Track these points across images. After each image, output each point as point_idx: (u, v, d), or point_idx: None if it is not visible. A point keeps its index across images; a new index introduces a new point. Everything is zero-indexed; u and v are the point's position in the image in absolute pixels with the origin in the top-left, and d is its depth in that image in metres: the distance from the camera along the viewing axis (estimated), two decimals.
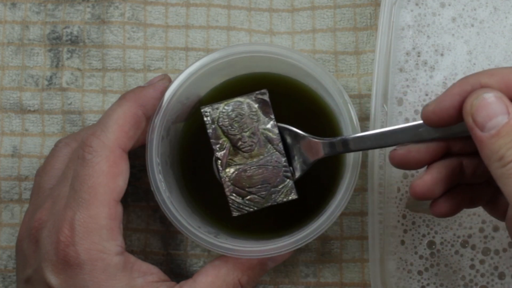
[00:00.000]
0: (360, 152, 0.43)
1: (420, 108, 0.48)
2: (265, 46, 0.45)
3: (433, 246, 0.47)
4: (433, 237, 0.47)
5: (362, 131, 0.42)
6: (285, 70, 0.47)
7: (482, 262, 0.47)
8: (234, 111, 0.44)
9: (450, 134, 0.40)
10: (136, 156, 0.49)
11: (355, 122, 0.43)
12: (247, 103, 0.44)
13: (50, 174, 0.45)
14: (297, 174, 0.44)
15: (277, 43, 0.50)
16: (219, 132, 0.44)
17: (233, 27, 0.51)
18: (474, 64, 0.48)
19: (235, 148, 0.44)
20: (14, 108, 0.51)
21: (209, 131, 0.44)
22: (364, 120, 0.49)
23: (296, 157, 0.44)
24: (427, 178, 0.40)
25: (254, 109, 0.44)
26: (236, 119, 0.44)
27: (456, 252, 0.47)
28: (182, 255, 0.50)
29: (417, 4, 0.48)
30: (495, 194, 0.41)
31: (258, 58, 0.45)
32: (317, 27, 0.50)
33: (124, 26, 0.51)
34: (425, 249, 0.47)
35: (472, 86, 0.37)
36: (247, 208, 0.44)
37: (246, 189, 0.44)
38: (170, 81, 0.45)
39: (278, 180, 0.44)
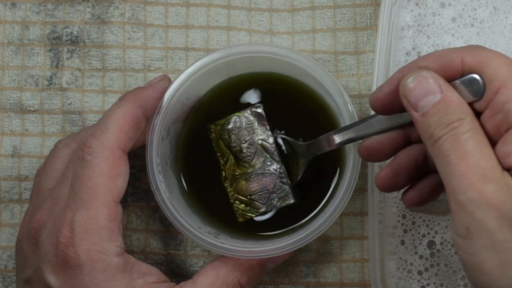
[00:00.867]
0: None
1: None
2: (265, 46, 0.45)
3: (433, 246, 0.47)
4: (433, 237, 0.47)
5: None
6: (285, 70, 0.47)
7: None
8: (232, 125, 0.46)
9: (402, 121, 0.40)
10: (136, 157, 0.49)
11: None
12: (245, 117, 0.46)
13: (49, 174, 0.45)
14: (295, 178, 0.46)
15: (277, 43, 0.50)
16: (222, 146, 0.46)
17: (233, 27, 0.51)
18: None
19: (237, 159, 0.46)
20: (14, 108, 0.51)
21: (214, 145, 0.47)
22: None
23: (292, 163, 0.46)
24: (387, 170, 0.41)
25: (250, 122, 0.46)
26: (234, 131, 0.46)
27: (456, 252, 0.47)
28: (182, 255, 0.50)
29: (417, 4, 0.48)
30: None
31: (258, 58, 0.45)
32: (317, 27, 0.50)
33: (124, 26, 0.51)
34: (425, 249, 0.47)
35: (410, 70, 0.37)
36: (249, 214, 0.46)
37: (248, 196, 0.46)
38: (169, 82, 0.45)
39: (275, 186, 0.46)
